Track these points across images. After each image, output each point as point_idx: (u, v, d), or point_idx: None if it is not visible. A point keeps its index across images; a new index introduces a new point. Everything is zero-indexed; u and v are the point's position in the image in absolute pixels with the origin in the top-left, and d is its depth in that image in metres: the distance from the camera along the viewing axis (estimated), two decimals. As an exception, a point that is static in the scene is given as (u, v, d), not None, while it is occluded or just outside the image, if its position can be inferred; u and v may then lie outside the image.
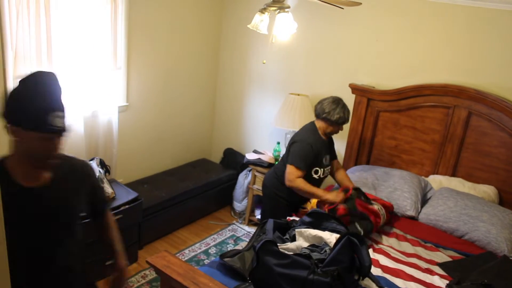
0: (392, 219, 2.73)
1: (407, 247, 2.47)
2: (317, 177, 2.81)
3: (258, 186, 3.69)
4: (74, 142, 3.09)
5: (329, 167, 2.91)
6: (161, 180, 3.72)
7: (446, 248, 2.47)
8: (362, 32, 3.33)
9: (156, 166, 3.91)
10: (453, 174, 3.05)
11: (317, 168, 2.79)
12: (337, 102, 2.76)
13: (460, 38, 2.93)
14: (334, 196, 2.58)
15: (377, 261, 2.25)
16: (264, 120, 4.07)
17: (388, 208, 2.65)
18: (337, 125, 2.77)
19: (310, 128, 2.83)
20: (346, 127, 3.43)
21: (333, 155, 2.97)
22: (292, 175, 2.67)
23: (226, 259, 2.07)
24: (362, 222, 2.44)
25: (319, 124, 2.81)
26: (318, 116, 2.80)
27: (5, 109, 1.29)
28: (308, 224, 2.27)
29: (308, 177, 2.74)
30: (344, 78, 3.43)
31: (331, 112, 2.72)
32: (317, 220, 2.28)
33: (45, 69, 2.74)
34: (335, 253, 1.84)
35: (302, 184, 2.66)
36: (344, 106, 2.76)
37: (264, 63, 2.81)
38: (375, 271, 2.12)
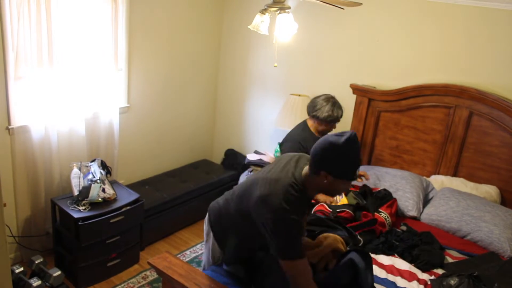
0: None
1: (409, 247, 2.46)
2: None
3: (259, 186, 3.68)
4: (75, 144, 3.09)
5: None
6: (162, 181, 3.71)
7: (449, 248, 2.46)
8: (362, 33, 3.33)
9: (157, 167, 3.91)
10: (455, 174, 3.05)
11: None
12: (328, 100, 2.81)
13: (460, 38, 2.92)
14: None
15: (381, 262, 2.24)
16: (265, 121, 4.07)
17: (393, 214, 2.65)
18: (327, 123, 2.80)
19: (300, 126, 2.90)
20: (347, 127, 3.43)
21: None
22: None
23: (230, 266, 2.03)
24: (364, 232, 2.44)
25: (310, 122, 2.88)
26: (308, 113, 2.86)
27: (335, 167, 1.59)
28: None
29: None
30: (345, 78, 3.43)
31: (320, 110, 2.76)
32: (320, 228, 2.26)
33: (46, 70, 2.75)
34: (334, 271, 1.83)
35: None
36: (334, 104, 2.79)
37: (275, 66, 2.84)
38: (379, 271, 2.12)
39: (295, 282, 1.65)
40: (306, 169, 1.70)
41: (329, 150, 1.57)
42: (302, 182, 1.67)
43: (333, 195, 1.85)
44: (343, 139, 1.54)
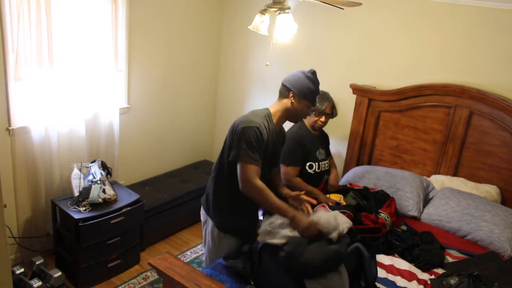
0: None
1: (409, 247, 2.46)
2: (312, 172, 2.81)
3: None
4: (75, 144, 3.09)
5: (327, 161, 2.91)
6: (162, 181, 3.72)
7: (449, 248, 2.46)
8: (362, 33, 3.33)
9: (157, 168, 3.91)
10: (455, 174, 3.05)
11: (311, 163, 2.79)
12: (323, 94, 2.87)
13: (460, 38, 2.92)
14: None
15: (381, 261, 2.24)
16: (265, 121, 4.06)
17: (393, 214, 2.65)
18: (315, 115, 2.81)
19: (296, 124, 2.84)
20: (347, 127, 3.43)
21: (328, 152, 3.01)
22: (288, 175, 2.69)
23: (229, 261, 2.05)
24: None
25: (305, 119, 2.86)
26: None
27: (300, 87, 2.05)
28: None
29: (302, 173, 2.75)
30: (345, 78, 3.43)
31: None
32: None
33: (46, 71, 2.76)
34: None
35: (299, 181, 2.71)
36: (324, 95, 2.84)
37: (267, 65, 2.83)
38: (379, 271, 2.11)
39: (247, 181, 1.91)
40: (273, 105, 2.12)
41: (299, 76, 2.07)
42: (271, 114, 2.10)
43: (297, 118, 2.21)
44: (309, 70, 2.08)
